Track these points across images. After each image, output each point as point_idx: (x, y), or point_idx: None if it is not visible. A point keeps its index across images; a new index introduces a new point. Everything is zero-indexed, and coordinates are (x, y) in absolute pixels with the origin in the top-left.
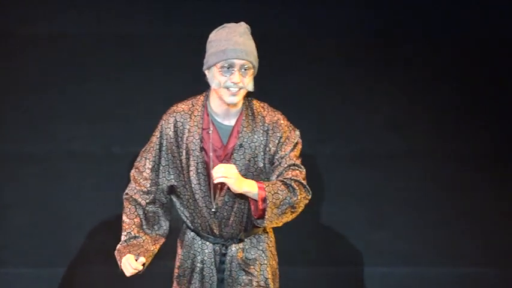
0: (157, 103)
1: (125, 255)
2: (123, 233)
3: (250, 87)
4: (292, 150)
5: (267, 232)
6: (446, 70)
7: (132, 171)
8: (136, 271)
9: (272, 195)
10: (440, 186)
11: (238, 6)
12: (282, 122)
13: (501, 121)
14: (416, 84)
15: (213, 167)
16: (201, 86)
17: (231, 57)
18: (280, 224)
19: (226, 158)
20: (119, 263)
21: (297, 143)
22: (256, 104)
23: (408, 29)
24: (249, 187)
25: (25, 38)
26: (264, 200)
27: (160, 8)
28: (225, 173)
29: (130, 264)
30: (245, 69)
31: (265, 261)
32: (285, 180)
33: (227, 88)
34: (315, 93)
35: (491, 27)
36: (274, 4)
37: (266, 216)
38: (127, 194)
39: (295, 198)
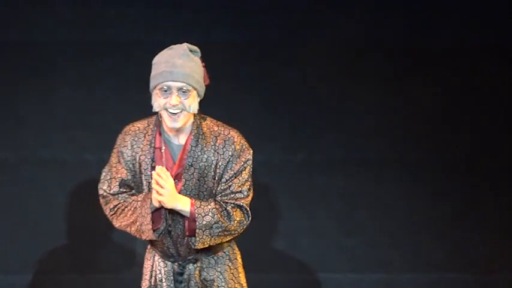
0: (130, 110)
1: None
2: (136, 199)
3: (192, 109)
4: (240, 172)
5: (229, 253)
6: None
7: (100, 192)
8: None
9: (202, 217)
10: (412, 193)
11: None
12: (235, 139)
13: (472, 130)
14: (389, 93)
15: None
16: None
17: (167, 80)
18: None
19: (178, 178)
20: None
21: (247, 163)
22: (210, 122)
23: (390, 35)
24: (182, 205)
25: None
26: (195, 220)
27: (131, 15)
28: (160, 188)
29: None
30: (184, 92)
31: (223, 284)
32: (221, 202)
33: (167, 111)
34: (288, 99)
35: (482, 32)
36: (252, 13)
37: (197, 238)
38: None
39: (228, 224)
